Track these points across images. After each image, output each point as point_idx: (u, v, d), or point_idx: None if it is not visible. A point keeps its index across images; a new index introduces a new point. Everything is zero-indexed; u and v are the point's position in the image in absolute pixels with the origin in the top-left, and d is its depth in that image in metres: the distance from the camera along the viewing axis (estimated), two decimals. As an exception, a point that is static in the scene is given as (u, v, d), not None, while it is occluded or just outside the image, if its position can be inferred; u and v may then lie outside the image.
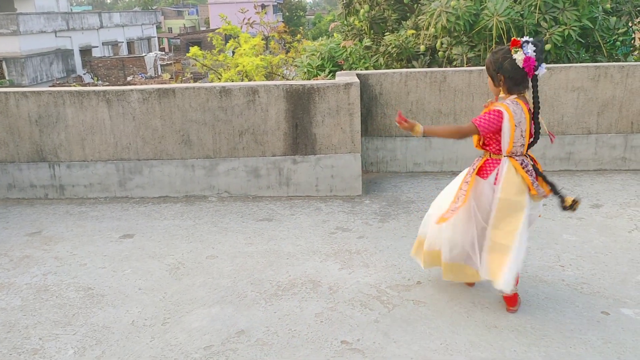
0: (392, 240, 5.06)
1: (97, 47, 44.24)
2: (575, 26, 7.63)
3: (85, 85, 32.11)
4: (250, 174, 6.18)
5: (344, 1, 10.05)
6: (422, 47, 8.63)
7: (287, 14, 66.94)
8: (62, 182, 6.24)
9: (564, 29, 7.60)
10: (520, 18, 7.71)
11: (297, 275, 4.47)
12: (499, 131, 3.54)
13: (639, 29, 9.26)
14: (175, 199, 6.21)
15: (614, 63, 6.87)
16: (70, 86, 24.73)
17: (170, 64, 42.02)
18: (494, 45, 7.59)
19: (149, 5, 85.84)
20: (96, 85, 34.38)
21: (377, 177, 6.79)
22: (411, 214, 5.65)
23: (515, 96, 3.57)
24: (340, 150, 6.11)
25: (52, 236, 5.36)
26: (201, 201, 6.14)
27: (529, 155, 3.71)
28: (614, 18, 8.40)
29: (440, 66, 8.46)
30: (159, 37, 60.01)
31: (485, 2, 7.85)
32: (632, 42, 9.35)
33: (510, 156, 3.62)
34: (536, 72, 3.49)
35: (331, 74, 8.98)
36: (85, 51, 42.68)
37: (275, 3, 66.09)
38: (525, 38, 3.46)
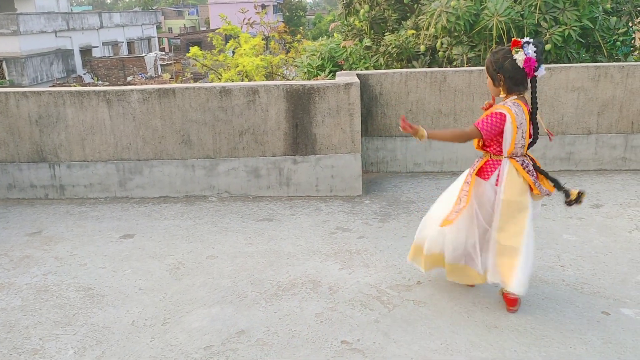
0: (392, 240, 5.06)
1: (97, 47, 44.25)
2: (575, 26, 7.63)
3: (85, 85, 32.11)
4: (251, 174, 6.18)
5: (344, 1, 10.05)
6: (422, 47, 8.63)
7: (287, 14, 66.94)
8: (63, 182, 6.24)
9: (564, 29, 7.60)
10: (520, 18, 7.71)
11: (297, 275, 4.47)
12: (501, 133, 3.55)
13: (639, 29, 9.26)
14: (175, 199, 6.21)
15: (614, 63, 6.87)
16: (71, 86, 24.74)
17: (171, 64, 42.03)
18: (494, 45, 7.59)
19: (149, 6, 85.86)
20: (96, 85, 34.39)
21: (377, 177, 6.79)
22: (411, 214, 5.65)
23: (515, 97, 3.58)
24: (340, 150, 6.11)
25: (52, 236, 5.36)
26: (201, 201, 6.14)
27: (529, 155, 3.72)
28: (614, 18, 8.40)
29: (440, 66, 8.46)
30: (159, 37, 60.03)
31: (486, 2, 7.85)
32: (632, 42, 9.35)
33: (510, 157, 3.63)
34: (536, 73, 3.50)
35: (331, 74, 8.98)
36: (86, 51, 42.69)
37: (276, 3, 66.09)
38: (526, 39, 3.47)
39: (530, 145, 3.69)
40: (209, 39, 15.63)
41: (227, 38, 15.44)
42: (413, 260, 4.13)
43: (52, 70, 38.46)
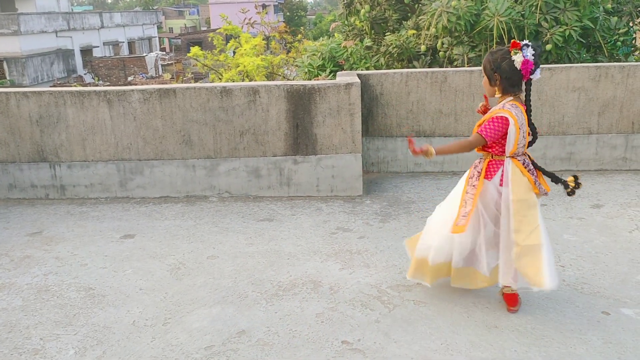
0: (393, 240, 5.06)
1: (98, 47, 44.27)
2: (576, 26, 7.63)
3: (86, 85, 32.12)
4: (251, 174, 6.18)
5: (345, 1, 10.05)
6: (422, 47, 8.63)
7: (288, 14, 66.95)
8: (63, 182, 6.24)
9: (565, 29, 7.60)
10: (521, 18, 7.71)
11: (297, 275, 4.48)
12: (504, 136, 3.58)
13: (640, 29, 9.26)
14: (176, 199, 6.21)
15: (615, 63, 6.87)
16: (71, 86, 24.74)
17: (171, 64, 42.02)
18: (494, 45, 7.58)
19: (149, 5, 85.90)
20: (97, 85, 34.39)
21: (377, 177, 6.79)
22: (412, 214, 5.65)
23: (511, 98, 3.61)
24: (341, 150, 6.11)
25: (53, 236, 5.36)
26: (202, 201, 6.15)
27: (527, 154, 3.76)
28: (615, 18, 8.40)
29: (441, 66, 8.46)
30: (159, 37, 60.04)
31: (486, 2, 7.85)
32: (633, 42, 9.35)
33: (512, 157, 3.65)
34: (531, 76, 3.54)
35: (332, 74, 8.98)
36: (86, 51, 42.70)
37: (276, 3, 66.10)
38: (526, 41, 3.51)
39: (530, 144, 3.73)
40: (209, 39, 15.62)
41: (227, 38, 15.43)
42: (414, 277, 4.05)
43: (52, 70, 38.48)
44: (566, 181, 3.73)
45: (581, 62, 7.88)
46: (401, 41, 8.69)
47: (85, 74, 40.03)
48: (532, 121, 3.69)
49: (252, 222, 5.59)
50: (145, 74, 38.20)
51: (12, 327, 3.86)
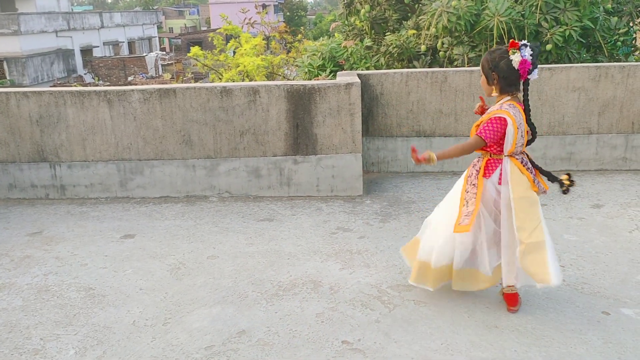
0: (393, 240, 5.06)
1: (98, 47, 44.26)
2: (576, 26, 7.63)
3: (86, 85, 32.12)
4: (251, 174, 6.18)
5: (345, 1, 10.05)
6: (423, 47, 8.63)
7: (288, 13, 66.95)
8: (63, 182, 6.24)
9: (565, 29, 7.60)
10: (521, 18, 7.71)
11: (298, 275, 4.48)
12: (503, 137, 3.59)
13: (640, 29, 9.26)
14: (176, 199, 6.21)
15: (615, 63, 6.88)
16: (71, 86, 24.74)
17: (171, 63, 42.02)
18: (494, 45, 7.58)
19: (149, 5, 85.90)
20: (97, 85, 34.38)
21: (378, 177, 6.79)
22: (412, 214, 5.65)
23: (509, 98, 3.62)
24: (341, 150, 6.11)
25: (53, 236, 5.36)
26: (202, 201, 6.15)
27: (525, 152, 3.77)
28: (615, 18, 8.40)
29: (441, 66, 8.46)
30: (159, 37, 60.04)
31: (486, 2, 7.85)
32: (633, 42, 9.35)
33: (511, 156, 3.65)
34: (529, 76, 3.55)
35: (332, 74, 8.98)
36: (86, 51, 42.70)
37: (276, 3, 66.09)
38: (524, 41, 3.52)
39: (528, 143, 3.74)
40: (209, 38, 15.61)
41: (227, 38, 15.43)
42: (417, 281, 4.01)
43: (52, 70, 38.47)
44: (561, 180, 3.75)
45: (581, 62, 7.88)
46: (401, 41, 8.69)
47: (85, 74, 40.03)
48: (532, 121, 3.70)
49: (252, 222, 5.59)
50: (145, 74, 38.20)
51: (13, 327, 3.86)
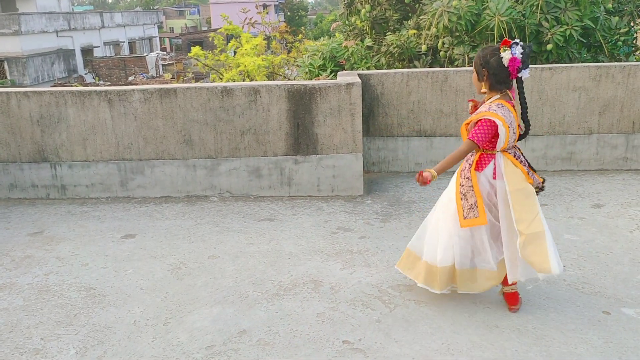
0: (394, 240, 5.06)
1: (99, 47, 44.27)
2: (576, 26, 7.62)
3: (86, 85, 32.12)
4: (252, 174, 6.18)
5: (346, 1, 10.05)
6: (423, 47, 8.63)
7: (288, 13, 66.95)
8: (64, 182, 6.25)
9: (566, 29, 7.60)
10: (522, 18, 7.71)
11: (298, 275, 4.48)
12: (495, 137, 3.62)
13: (641, 29, 9.25)
14: (176, 199, 6.21)
15: (616, 63, 6.88)
16: (72, 86, 24.74)
17: (172, 63, 42.02)
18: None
19: (150, 5, 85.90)
20: (98, 85, 34.39)
21: (378, 177, 6.79)
22: (413, 214, 5.65)
23: (498, 96, 3.65)
24: (341, 150, 6.11)
25: (54, 236, 5.37)
26: (203, 201, 6.15)
27: (517, 147, 3.81)
28: (616, 18, 8.39)
29: (441, 66, 8.46)
30: (160, 37, 60.04)
31: (487, 2, 7.85)
32: (634, 42, 9.34)
33: (503, 151, 3.70)
34: (519, 75, 3.57)
35: (333, 74, 8.97)
36: (87, 51, 42.70)
37: (277, 3, 66.11)
38: (516, 40, 3.56)
39: (521, 137, 3.76)
40: (210, 38, 15.62)
41: (228, 38, 15.43)
42: (425, 283, 3.95)
43: (53, 70, 38.48)
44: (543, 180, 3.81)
45: (582, 62, 7.88)
46: (402, 41, 8.69)
47: (86, 74, 40.03)
48: (528, 118, 3.74)
49: (252, 222, 5.59)
50: (146, 74, 38.21)
51: (13, 327, 3.86)
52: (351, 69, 9.09)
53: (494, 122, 3.55)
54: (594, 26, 7.95)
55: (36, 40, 36.77)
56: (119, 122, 6.07)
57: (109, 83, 36.90)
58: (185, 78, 20.83)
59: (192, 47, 14.78)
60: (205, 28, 67.69)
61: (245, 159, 6.15)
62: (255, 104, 6.01)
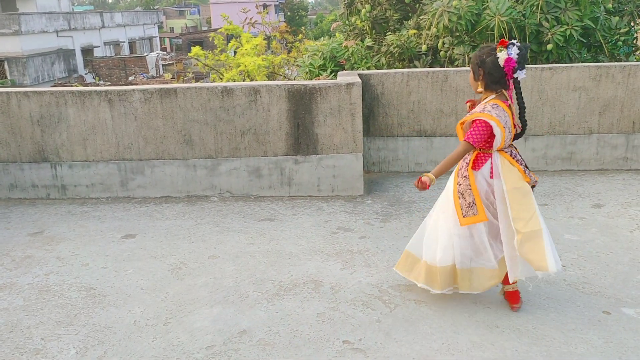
0: (394, 240, 5.06)
1: (99, 47, 44.26)
2: (577, 26, 7.62)
3: (87, 85, 32.12)
4: (252, 174, 6.18)
5: (346, 1, 10.05)
6: (423, 47, 8.63)
7: (288, 13, 66.96)
8: (64, 182, 6.25)
9: (566, 29, 7.60)
10: (522, 18, 7.71)
11: (299, 275, 4.48)
12: (490, 137, 3.64)
13: (641, 29, 9.25)
14: (177, 199, 6.21)
15: (616, 63, 6.88)
16: (72, 86, 24.74)
17: (172, 63, 42.00)
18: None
19: (150, 5, 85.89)
20: (98, 85, 34.39)
21: (378, 177, 6.79)
22: (413, 213, 5.65)
23: (493, 96, 3.67)
24: (342, 150, 6.12)
25: (54, 236, 5.37)
26: (203, 201, 6.15)
27: (513, 146, 3.82)
28: (616, 18, 8.39)
29: (442, 66, 8.46)
30: (160, 37, 60.03)
31: (487, 2, 7.85)
32: (634, 42, 9.34)
33: (500, 150, 3.72)
34: (515, 75, 3.59)
35: (333, 74, 8.97)
36: (87, 51, 42.70)
37: (277, 3, 66.10)
38: (514, 41, 3.58)
39: (517, 136, 3.78)
40: (210, 38, 15.61)
41: (228, 38, 15.43)
42: (426, 283, 3.95)
43: (53, 70, 38.48)
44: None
45: (582, 62, 7.88)
46: (402, 41, 8.69)
47: (86, 74, 40.03)
48: (526, 118, 3.76)
49: (253, 222, 5.59)
50: (146, 74, 38.21)
51: (14, 327, 3.86)
52: (351, 69, 9.09)
53: (488, 123, 3.58)
54: (594, 26, 7.95)
55: (36, 40, 36.77)
56: (119, 122, 6.07)
57: (109, 83, 36.90)
58: (185, 78, 20.83)
59: (192, 47, 14.78)
60: (206, 28, 67.71)
61: (245, 159, 6.15)
62: (256, 104, 6.01)
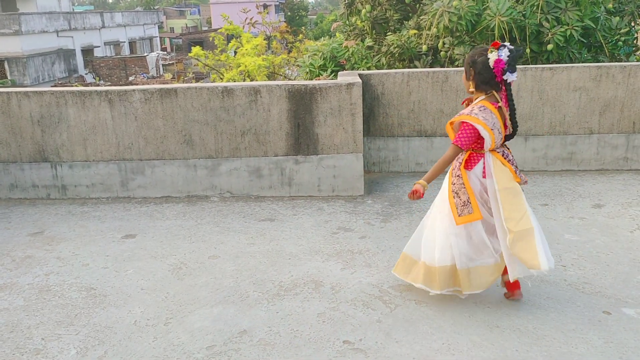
0: (394, 240, 5.06)
1: (99, 47, 44.28)
2: (577, 26, 7.62)
3: (87, 85, 32.12)
4: (253, 174, 6.19)
5: (346, 1, 10.05)
6: (424, 47, 8.63)
7: (289, 13, 66.97)
8: (64, 182, 6.25)
9: (566, 29, 7.60)
10: (522, 18, 7.71)
11: (299, 275, 4.48)
12: (479, 139, 3.69)
13: (641, 29, 9.24)
14: (177, 199, 6.22)
15: (616, 63, 6.88)
16: (72, 86, 24.75)
17: (172, 63, 42.01)
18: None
19: (150, 5, 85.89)
20: (98, 85, 34.39)
21: (379, 177, 6.79)
22: (413, 214, 5.65)
23: (483, 97, 3.70)
24: (342, 150, 6.12)
25: (55, 236, 5.37)
26: (203, 201, 6.15)
27: (506, 146, 3.86)
28: (617, 18, 8.39)
29: (442, 66, 8.45)
30: (160, 37, 60.04)
31: (488, 2, 7.84)
32: (635, 42, 9.34)
33: (492, 150, 3.76)
34: (505, 77, 3.61)
35: (333, 74, 8.97)
36: (87, 51, 42.71)
37: (277, 3, 66.11)
38: (506, 43, 3.61)
39: (508, 138, 3.80)
40: (210, 38, 15.60)
41: (229, 38, 15.42)
42: (424, 283, 3.95)
43: (53, 70, 38.49)
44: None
45: (582, 62, 7.88)
46: (402, 41, 8.69)
47: (86, 74, 40.05)
48: (516, 119, 3.76)
49: (253, 222, 5.59)
50: (146, 74, 38.22)
51: (14, 327, 3.86)
52: (352, 69, 9.09)
53: (474, 127, 3.63)
54: (594, 26, 7.95)
55: (36, 40, 36.79)
56: (120, 122, 6.07)
57: (109, 83, 36.91)
58: (185, 78, 20.84)
59: (192, 47, 14.78)
60: (206, 28, 67.72)
61: (245, 159, 6.15)
62: (256, 104, 6.01)
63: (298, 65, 10.96)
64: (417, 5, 9.44)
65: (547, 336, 3.60)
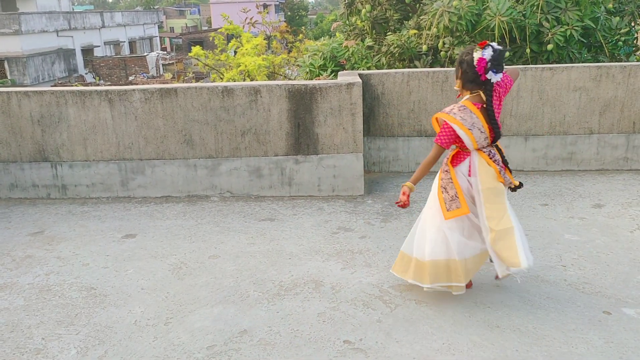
0: (394, 240, 5.06)
1: (99, 46, 44.26)
2: (577, 26, 7.62)
3: (87, 85, 32.12)
4: (253, 174, 6.19)
5: (346, 1, 10.04)
6: (424, 47, 8.63)
7: (289, 13, 66.94)
8: (65, 182, 6.25)
9: (566, 29, 7.60)
10: (522, 18, 7.71)
11: (299, 275, 4.48)
12: (457, 138, 3.73)
13: (641, 29, 9.24)
14: (177, 199, 6.21)
15: (616, 63, 6.87)
16: (72, 86, 24.74)
17: (172, 63, 42.00)
18: (496, 45, 7.56)
19: (150, 5, 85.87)
20: (98, 85, 34.39)
21: (379, 177, 6.79)
22: (413, 214, 5.65)
23: (467, 96, 3.74)
24: (342, 150, 6.12)
25: (55, 236, 5.37)
26: (203, 201, 6.15)
27: (497, 146, 3.88)
28: (617, 18, 8.39)
29: (442, 66, 8.45)
30: (160, 37, 60.01)
31: (488, 2, 7.84)
32: (635, 42, 9.34)
33: (478, 149, 3.80)
34: (488, 76, 3.62)
35: (333, 74, 8.97)
36: (87, 51, 42.70)
37: (277, 3, 66.09)
38: (493, 43, 3.63)
39: (494, 139, 3.80)
40: (210, 38, 15.60)
41: (229, 38, 15.42)
42: (414, 278, 3.97)
43: (53, 70, 38.47)
44: (515, 184, 3.87)
45: (582, 62, 7.88)
46: (402, 41, 8.69)
47: (86, 74, 40.03)
48: (497, 121, 3.74)
49: (253, 221, 5.59)
50: (146, 74, 38.20)
51: (14, 327, 3.86)
52: (352, 69, 9.09)
53: (449, 125, 3.70)
54: (594, 26, 7.95)
55: (36, 40, 36.77)
56: (120, 121, 6.07)
57: (109, 83, 36.91)
58: (185, 78, 20.82)
59: (192, 47, 14.77)
60: (206, 28, 67.70)
61: (245, 158, 6.15)
62: (256, 103, 6.01)
63: (298, 65, 10.96)
64: (417, 5, 9.44)
65: (547, 336, 3.60)
